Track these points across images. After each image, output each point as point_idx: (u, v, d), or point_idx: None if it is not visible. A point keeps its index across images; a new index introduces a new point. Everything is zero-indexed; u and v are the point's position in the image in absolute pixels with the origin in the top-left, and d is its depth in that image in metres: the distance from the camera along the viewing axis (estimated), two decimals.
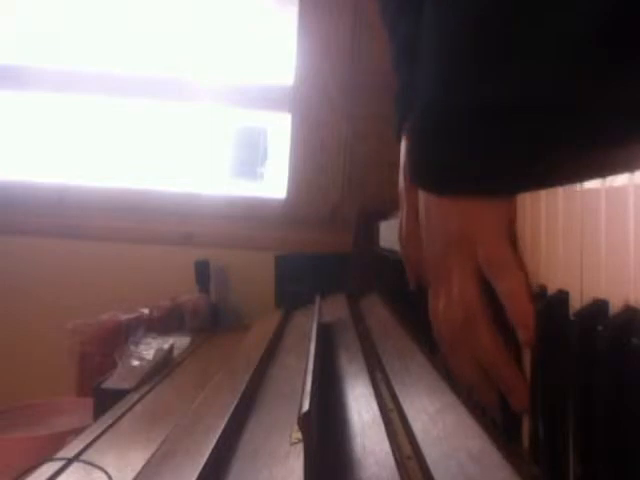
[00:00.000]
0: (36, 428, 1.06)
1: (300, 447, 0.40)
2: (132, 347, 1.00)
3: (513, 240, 0.42)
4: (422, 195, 0.46)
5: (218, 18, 1.72)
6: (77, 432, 0.70)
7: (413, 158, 0.46)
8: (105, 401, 0.82)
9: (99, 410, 0.81)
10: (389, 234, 0.93)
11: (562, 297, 0.35)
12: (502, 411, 0.42)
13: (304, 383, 0.44)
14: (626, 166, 0.29)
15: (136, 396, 0.82)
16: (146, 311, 1.27)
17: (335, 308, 1.09)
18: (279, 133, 1.80)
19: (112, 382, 0.89)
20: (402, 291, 0.73)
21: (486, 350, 0.42)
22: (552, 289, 0.37)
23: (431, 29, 0.43)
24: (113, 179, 1.67)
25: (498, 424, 0.42)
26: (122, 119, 1.77)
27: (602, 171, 0.31)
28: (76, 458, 0.58)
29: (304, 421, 0.36)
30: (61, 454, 0.60)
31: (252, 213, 1.62)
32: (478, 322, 0.42)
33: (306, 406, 0.37)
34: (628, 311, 0.28)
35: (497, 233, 0.42)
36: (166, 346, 1.04)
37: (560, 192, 0.36)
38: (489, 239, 0.42)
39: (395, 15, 0.73)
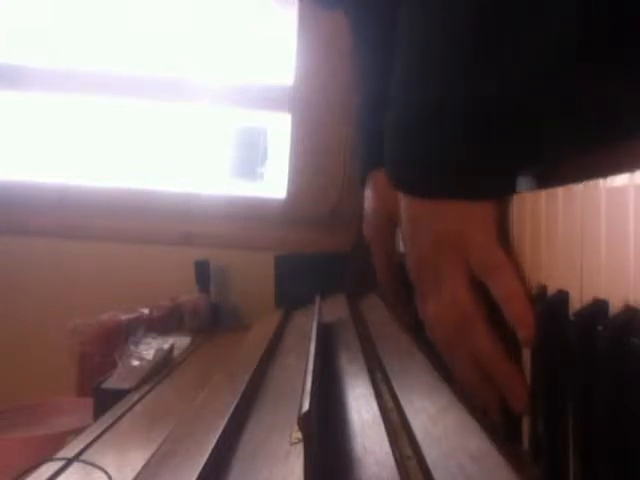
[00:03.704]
0: (36, 428, 1.06)
1: (300, 447, 0.40)
2: (132, 347, 1.00)
3: (503, 240, 0.42)
4: (405, 198, 0.45)
5: (218, 18, 1.72)
6: (77, 432, 0.70)
7: (397, 160, 0.44)
8: (105, 401, 0.82)
9: (99, 410, 0.81)
10: None
11: (562, 297, 0.35)
12: (502, 411, 0.42)
13: (304, 383, 0.44)
14: (626, 166, 0.29)
15: (136, 396, 0.82)
16: (146, 311, 1.27)
17: (335, 308, 1.09)
18: (279, 133, 1.80)
19: (112, 382, 0.89)
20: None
21: (484, 352, 0.41)
22: (552, 289, 0.37)
23: (418, 29, 0.42)
24: (113, 179, 1.67)
25: (498, 424, 0.42)
26: (122, 119, 1.77)
27: (602, 171, 0.31)
28: (76, 458, 0.58)
29: (304, 421, 0.36)
30: (61, 454, 0.60)
31: (252, 213, 1.62)
32: (474, 324, 0.41)
33: (306, 406, 0.37)
34: (628, 311, 0.28)
35: (487, 233, 0.41)
36: (166, 346, 1.04)
37: (560, 192, 0.36)
38: (480, 239, 0.41)
39: (366, 66, 0.73)
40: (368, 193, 0.69)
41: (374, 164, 0.69)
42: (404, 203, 0.45)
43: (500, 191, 0.42)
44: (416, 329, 0.58)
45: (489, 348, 0.41)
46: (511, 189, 0.42)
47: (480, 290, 0.42)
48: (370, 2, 0.70)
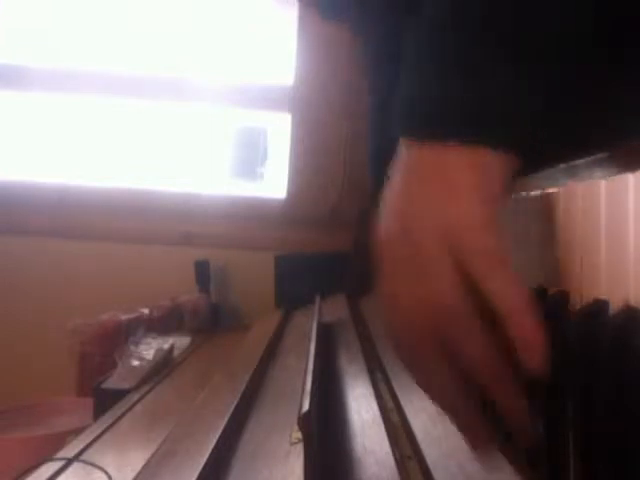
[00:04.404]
0: (36, 428, 1.06)
1: (300, 447, 0.40)
2: (132, 347, 1.00)
3: (500, 234, 0.33)
4: (402, 148, 0.37)
5: (218, 18, 1.72)
6: (77, 432, 0.70)
7: (404, 99, 0.36)
8: (105, 401, 0.82)
9: (99, 410, 0.81)
10: None
11: (562, 297, 0.35)
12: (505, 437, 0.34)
13: (304, 383, 0.44)
14: (626, 166, 0.29)
15: (136, 396, 0.82)
16: (146, 311, 1.27)
17: (335, 308, 1.09)
18: (279, 133, 1.80)
19: (112, 382, 0.89)
20: None
21: (473, 358, 0.32)
22: (552, 289, 0.37)
23: (425, 28, 0.41)
24: (113, 179, 1.67)
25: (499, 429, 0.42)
26: (122, 119, 1.78)
27: (602, 171, 0.31)
28: (76, 458, 0.58)
29: (304, 421, 0.36)
30: (61, 454, 0.60)
31: (252, 213, 1.62)
32: (460, 319, 0.32)
33: (306, 406, 0.37)
34: (628, 311, 0.28)
35: (486, 218, 0.33)
36: (166, 346, 1.04)
37: (560, 192, 0.36)
38: (476, 223, 0.33)
39: (374, 65, 0.70)
40: None
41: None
42: (400, 155, 0.37)
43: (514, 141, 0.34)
44: None
45: (483, 356, 0.32)
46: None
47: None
48: (372, 11, 0.69)
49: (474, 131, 0.33)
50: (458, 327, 0.32)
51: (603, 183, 0.30)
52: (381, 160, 0.63)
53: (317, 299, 1.04)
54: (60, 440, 0.72)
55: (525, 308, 0.30)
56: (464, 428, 0.33)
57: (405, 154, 0.36)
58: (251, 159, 2.00)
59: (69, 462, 0.57)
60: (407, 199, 0.35)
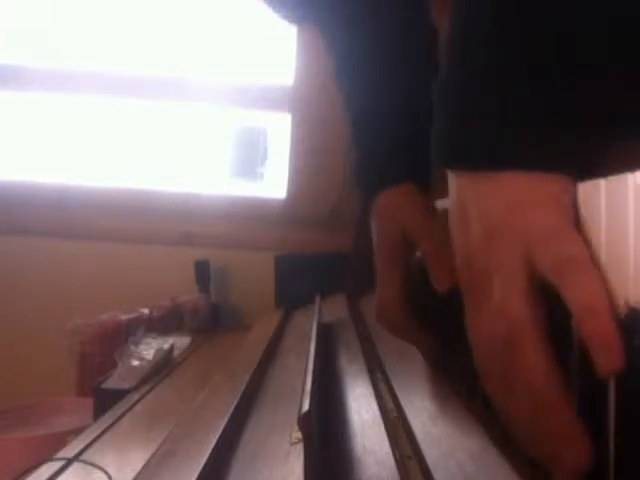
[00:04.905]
0: (36, 428, 1.06)
1: (300, 447, 0.40)
2: (132, 347, 1.00)
3: (581, 233, 0.32)
4: (453, 186, 0.37)
5: (218, 18, 1.72)
6: (77, 432, 0.70)
7: (448, 124, 0.36)
8: (105, 401, 0.82)
9: (99, 410, 0.81)
10: None
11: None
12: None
13: (304, 383, 0.44)
14: (626, 166, 0.29)
15: (136, 396, 0.82)
16: (146, 311, 1.27)
17: (335, 308, 1.09)
18: (279, 133, 1.80)
19: (112, 382, 0.89)
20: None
21: (530, 383, 0.30)
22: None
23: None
24: (113, 179, 1.67)
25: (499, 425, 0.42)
26: (122, 119, 1.78)
27: (602, 171, 0.31)
28: (76, 458, 0.58)
29: (304, 421, 0.36)
30: (61, 454, 0.60)
31: (252, 213, 1.62)
32: (522, 343, 0.30)
33: (306, 406, 0.37)
34: (628, 311, 0.28)
35: (558, 213, 0.32)
36: (166, 346, 1.04)
37: None
38: (548, 220, 0.32)
39: (351, 80, 0.65)
40: (376, 220, 0.57)
41: (378, 186, 0.58)
42: (452, 187, 0.37)
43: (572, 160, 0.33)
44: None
45: (538, 379, 0.30)
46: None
47: (543, 295, 0.32)
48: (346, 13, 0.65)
49: (536, 162, 0.33)
50: (517, 344, 0.31)
51: (602, 183, 0.30)
52: (367, 171, 0.62)
53: (317, 299, 1.04)
54: (60, 440, 0.72)
55: (600, 308, 0.28)
56: (537, 453, 0.30)
57: (456, 185, 0.36)
58: (251, 159, 2.01)
59: (69, 462, 0.57)
60: (472, 221, 0.35)
